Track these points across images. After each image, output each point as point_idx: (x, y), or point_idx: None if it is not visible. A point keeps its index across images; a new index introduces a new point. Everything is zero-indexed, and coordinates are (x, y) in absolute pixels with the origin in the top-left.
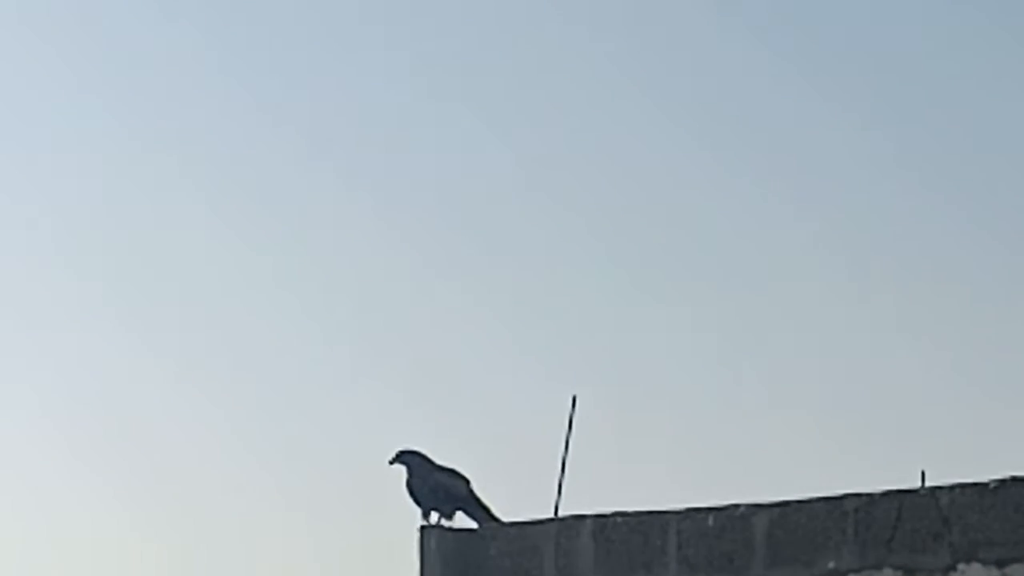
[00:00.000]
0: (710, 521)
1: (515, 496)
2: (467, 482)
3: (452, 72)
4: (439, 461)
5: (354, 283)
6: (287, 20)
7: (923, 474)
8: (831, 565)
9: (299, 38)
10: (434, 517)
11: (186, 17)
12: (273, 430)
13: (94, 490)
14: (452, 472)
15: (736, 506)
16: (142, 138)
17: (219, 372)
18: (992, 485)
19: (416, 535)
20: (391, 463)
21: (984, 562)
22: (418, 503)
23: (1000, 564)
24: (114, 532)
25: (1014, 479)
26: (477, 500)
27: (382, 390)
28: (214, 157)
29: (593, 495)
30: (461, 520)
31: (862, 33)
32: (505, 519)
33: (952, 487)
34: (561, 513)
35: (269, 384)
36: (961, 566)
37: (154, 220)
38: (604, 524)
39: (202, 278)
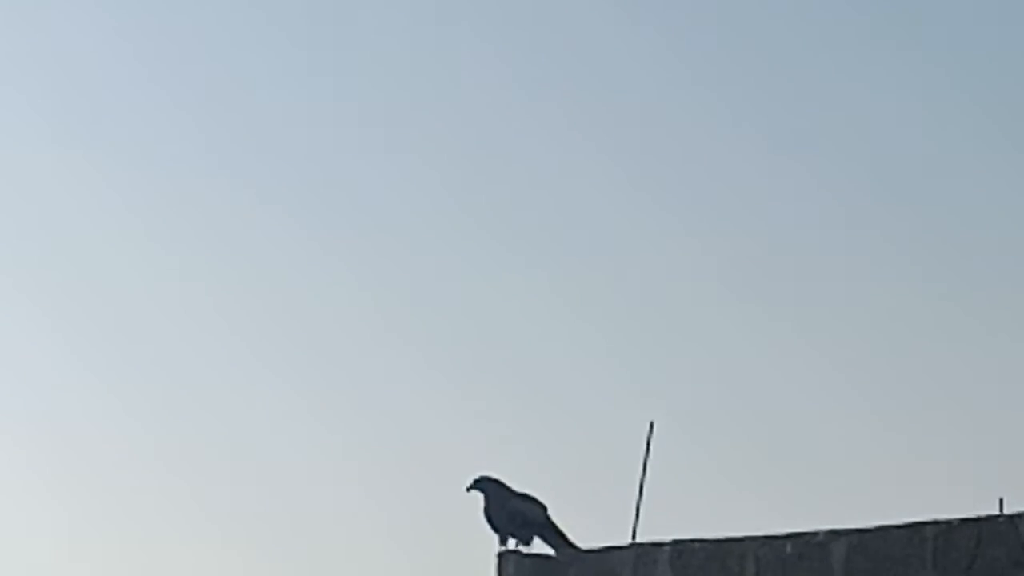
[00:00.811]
0: (788, 548)
1: (593, 522)
2: (544, 508)
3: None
4: (516, 487)
5: (434, 309)
6: None
7: (1002, 501)
8: None
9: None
10: (511, 543)
11: None
12: (351, 456)
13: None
14: (529, 498)
15: (814, 533)
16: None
17: (310, 388)
18: None
19: (494, 561)
20: (468, 490)
21: None
22: (496, 529)
23: None
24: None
25: None
26: (554, 526)
27: (459, 416)
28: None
29: (671, 521)
30: (538, 546)
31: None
32: (582, 545)
33: None
34: (639, 539)
35: (351, 401)
36: None
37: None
38: (682, 550)
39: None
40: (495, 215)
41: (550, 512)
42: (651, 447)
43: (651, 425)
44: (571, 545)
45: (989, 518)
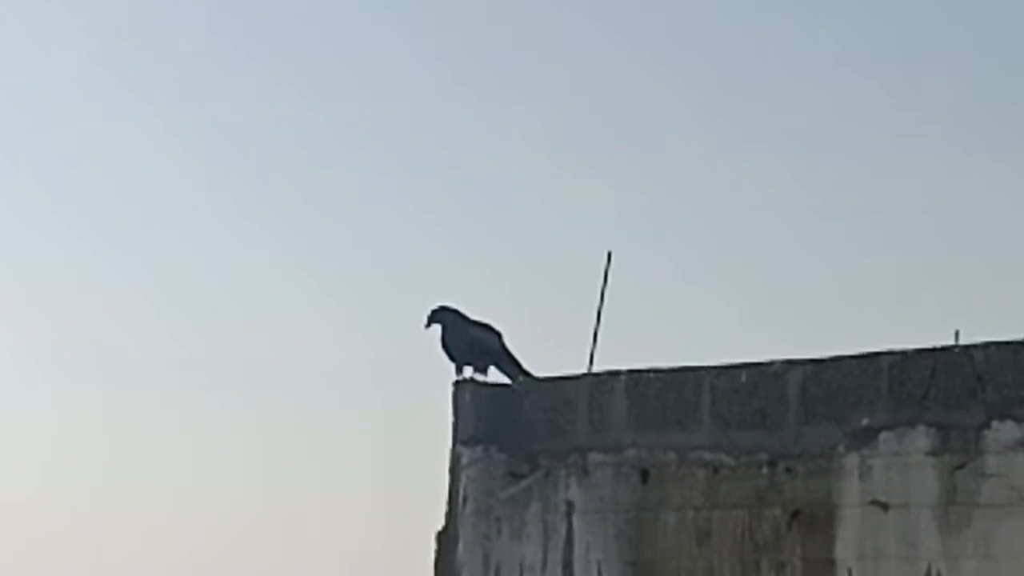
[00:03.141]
0: (743, 378)
1: (550, 352)
2: (499, 336)
3: None
4: (473, 316)
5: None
6: None
7: (957, 332)
8: (865, 422)
9: None
10: (468, 371)
11: None
12: (313, 289)
13: None
14: (486, 326)
15: (770, 363)
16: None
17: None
18: None
19: (450, 390)
20: (427, 326)
21: (1017, 419)
22: (452, 358)
23: None
24: None
25: None
26: (509, 354)
27: (415, 241)
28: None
29: (628, 351)
30: (494, 375)
31: None
32: (538, 374)
33: (986, 345)
34: (595, 368)
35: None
36: (995, 423)
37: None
38: (638, 380)
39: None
40: (466, 49)
41: (505, 340)
42: (609, 277)
43: (609, 255)
44: (526, 373)
45: (944, 349)
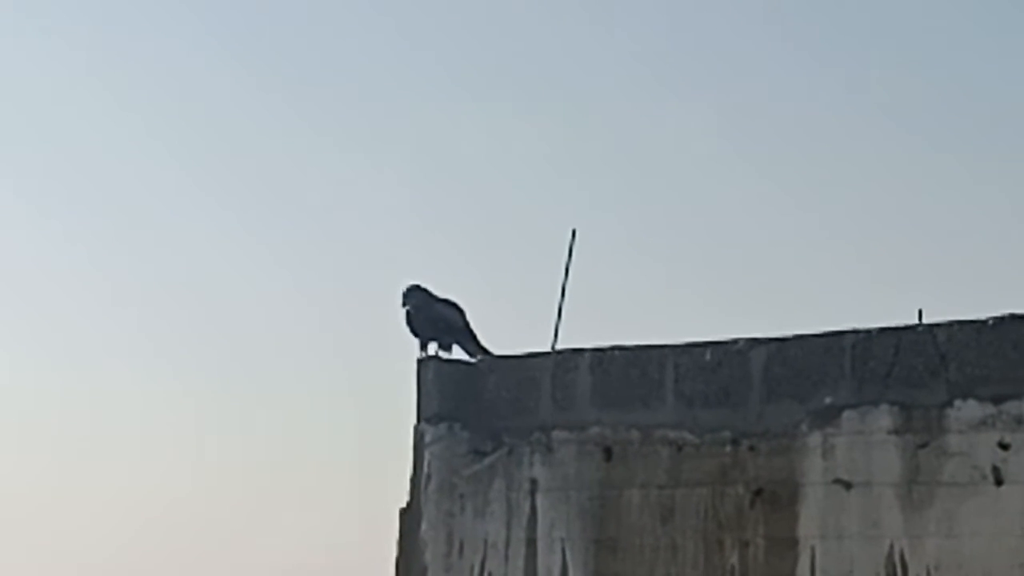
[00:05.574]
0: (707, 356)
1: (514, 328)
2: (463, 313)
3: None
4: (438, 293)
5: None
6: None
7: (920, 311)
8: (828, 400)
9: None
10: (432, 348)
11: None
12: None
13: None
14: (450, 303)
15: (734, 341)
16: None
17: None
18: (989, 322)
19: (414, 368)
20: (403, 306)
21: (980, 398)
22: (417, 335)
23: (996, 400)
24: None
25: (1011, 316)
26: (471, 331)
27: (380, 218)
28: None
29: (592, 329)
30: (457, 353)
31: None
32: (503, 352)
33: (950, 324)
34: (559, 346)
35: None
36: (957, 402)
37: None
38: (602, 358)
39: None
40: (433, 30)
41: (468, 316)
42: (573, 254)
43: (573, 232)
44: (484, 350)
45: (907, 328)
